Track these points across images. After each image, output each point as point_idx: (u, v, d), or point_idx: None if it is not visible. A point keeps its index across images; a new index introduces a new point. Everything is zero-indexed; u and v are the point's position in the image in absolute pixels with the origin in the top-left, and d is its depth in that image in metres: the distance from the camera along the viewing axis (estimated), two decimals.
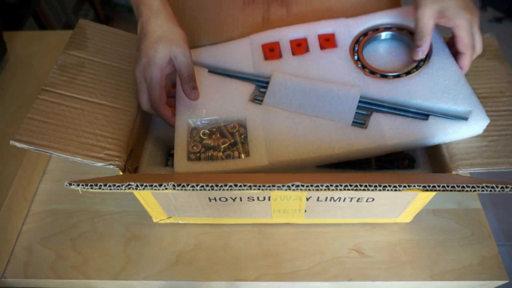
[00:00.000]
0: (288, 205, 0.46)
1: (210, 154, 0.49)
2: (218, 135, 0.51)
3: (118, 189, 0.35)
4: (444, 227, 0.52)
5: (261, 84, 0.53)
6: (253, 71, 0.54)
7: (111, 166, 0.44)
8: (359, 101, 0.49)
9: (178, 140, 0.50)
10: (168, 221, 0.52)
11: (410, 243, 0.50)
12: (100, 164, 0.44)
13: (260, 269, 0.49)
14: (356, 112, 0.49)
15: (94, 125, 0.47)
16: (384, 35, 0.55)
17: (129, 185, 0.35)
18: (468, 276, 0.47)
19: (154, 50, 0.46)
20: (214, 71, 0.55)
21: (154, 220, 0.52)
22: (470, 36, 0.47)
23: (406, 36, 0.53)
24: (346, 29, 0.55)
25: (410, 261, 0.49)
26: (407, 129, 0.47)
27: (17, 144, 0.43)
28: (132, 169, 0.49)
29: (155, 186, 0.35)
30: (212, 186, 0.34)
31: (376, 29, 0.55)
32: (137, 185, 0.35)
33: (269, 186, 0.34)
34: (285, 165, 0.47)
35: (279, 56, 0.55)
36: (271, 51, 0.55)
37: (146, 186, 0.35)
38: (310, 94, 0.51)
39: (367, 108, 0.49)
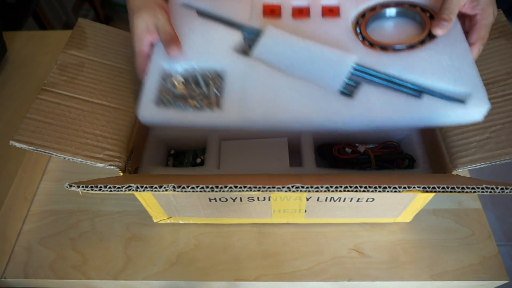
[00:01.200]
0: (288, 205, 0.46)
1: (181, 103, 0.46)
2: (192, 84, 0.48)
3: (118, 191, 0.35)
4: (444, 227, 0.52)
5: (251, 37, 0.50)
6: (247, 23, 0.51)
7: (112, 167, 0.44)
8: (351, 70, 0.46)
9: (148, 82, 0.46)
10: (168, 221, 0.52)
11: (410, 243, 0.50)
12: (100, 164, 0.44)
13: (260, 269, 0.49)
14: (346, 82, 0.45)
15: (94, 126, 0.47)
16: (393, 11, 0.51)
17: (129, 186, 0.35)
18: (468, 276, 0.47)
19: (132, 23, 0.48)
20: (204, 13, 0.52)
21: (155, 220, 0.52)
22: (488, 30, 0.45)
23: (418, 13, 0.49)
24: (353, 2, 0.52)
25: (410, 261, 0.49)
26: (397, 105, 0.43)
27: (17, 144, 0.43)
28: (133, 169, 0.49)
29: (155, 187, 0.35)
30: (212, 187, 0.34)
31: (386, 5, 0.51)
32: (137, 187, 0.35)
33: (269, 188, 0.34)
34: (259, 126, 0.44)
35: (279, 16, 0.52)
36: (271, 12, 0.53)
37: (146, 187, 0.35)
38: (301, 54, 0.48)
39: (357, 78, 0.46)
